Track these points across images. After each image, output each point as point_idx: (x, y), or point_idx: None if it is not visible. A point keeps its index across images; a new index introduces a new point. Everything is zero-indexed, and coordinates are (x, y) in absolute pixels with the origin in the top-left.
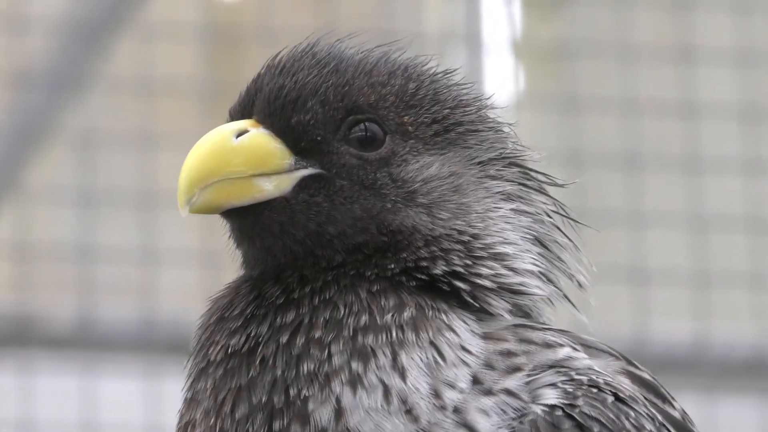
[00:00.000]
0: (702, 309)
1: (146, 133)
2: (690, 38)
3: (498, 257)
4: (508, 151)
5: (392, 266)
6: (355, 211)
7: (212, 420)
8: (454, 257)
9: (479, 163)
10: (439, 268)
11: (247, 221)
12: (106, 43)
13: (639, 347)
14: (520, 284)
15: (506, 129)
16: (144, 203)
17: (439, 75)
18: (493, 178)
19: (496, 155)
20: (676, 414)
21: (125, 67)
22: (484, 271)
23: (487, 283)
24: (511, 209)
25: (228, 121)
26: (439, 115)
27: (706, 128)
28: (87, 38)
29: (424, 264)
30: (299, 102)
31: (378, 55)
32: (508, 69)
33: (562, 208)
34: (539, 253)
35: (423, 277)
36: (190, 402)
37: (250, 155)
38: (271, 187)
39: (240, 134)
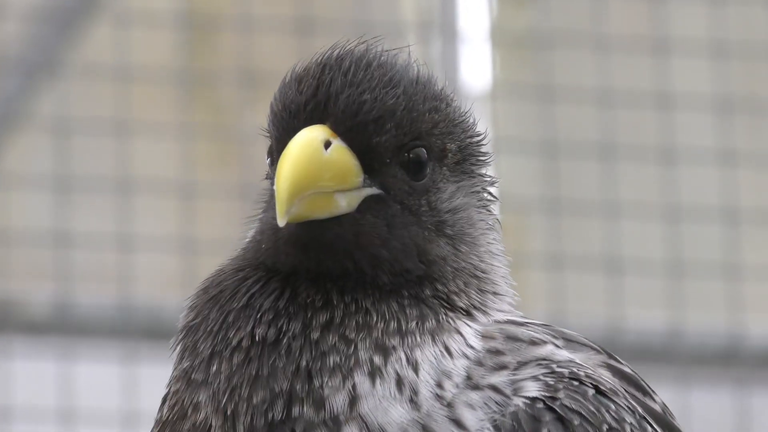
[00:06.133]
0: (676, 299)
1: (122, 119)
2: (665, 29)
3: (497, 294)
4: (489, 178)
5: (427, 292)
6: (405, 238)
7: (222, 404)
8: (472, 291)
9: (475, 192)
10: (463, 302)
11: (315, 234)
12: (82, 29)
13: (613, 336)
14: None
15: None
16: (120, 189)
17: (452, 97)
18: (484, 207)
19: (486, 184)
20: (657, 407)
21: (101, 54)
22: (490, 305)
23: (498, 316)
24: (494, 239)
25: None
26: (463, 143)
27: (681, 119)
28: (62, 24)
29: (455, 298)
30: (380, 122)
31: (423, 74)
32: (484, 58)
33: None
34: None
35: (446, 305)
36: (198, 384)
37: (338, 171)
38: (344, 204)
39: (326, 145)
